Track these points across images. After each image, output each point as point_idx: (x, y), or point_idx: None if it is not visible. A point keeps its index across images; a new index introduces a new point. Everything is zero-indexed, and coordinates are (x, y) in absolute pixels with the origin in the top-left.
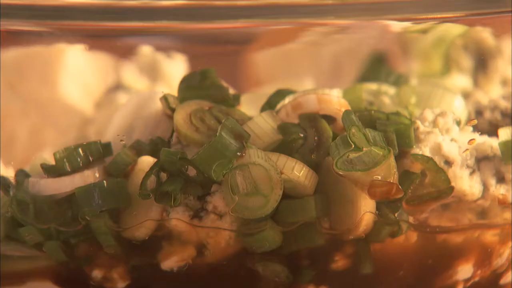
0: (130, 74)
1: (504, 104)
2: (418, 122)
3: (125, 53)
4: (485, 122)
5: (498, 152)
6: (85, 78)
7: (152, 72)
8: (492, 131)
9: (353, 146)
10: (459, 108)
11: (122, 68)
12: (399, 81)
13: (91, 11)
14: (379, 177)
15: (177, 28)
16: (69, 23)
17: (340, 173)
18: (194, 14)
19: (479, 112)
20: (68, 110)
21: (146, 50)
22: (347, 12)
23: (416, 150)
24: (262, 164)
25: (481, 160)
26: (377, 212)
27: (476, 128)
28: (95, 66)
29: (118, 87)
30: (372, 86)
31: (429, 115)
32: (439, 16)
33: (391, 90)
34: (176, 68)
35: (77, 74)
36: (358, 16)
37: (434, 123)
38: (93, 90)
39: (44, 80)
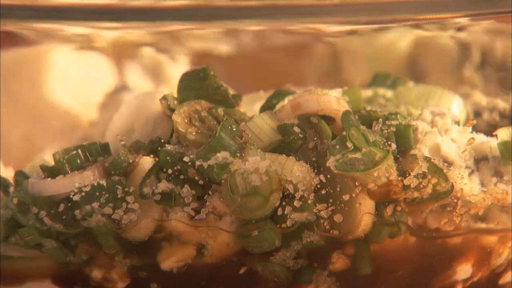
0: (134, 76)
1: (502, 104)
2: (417, 123)
3: (127, 54)
4: (483, 122)
5: (497, 153)
6: (85, 79)
7: (155, 74)
8: (491, 131)
9: (352, 146)
10: (458, 108)
11: (126, 70)
12: (397, 83)
13: (91, 12)
14: (378, 178)
15: (177, 29)
16: (69, 23)
17: (340, 173)
18: (194, 14)
19: (478, 113)
20: (68, 110)
21: (148, 51)
22: (347, 13)
23: (415, 151)
24: (262, 164)
25: (480, 161)
26: (376, 212)
27: (475, 129)
28: (95, 67)
29: (122, 88)
30: (368, 92)
31: (428, 115)
32: (438, 16)
33: (388, 93)
34: (179, 70)
35: (77, 75)
36: (359, 16)
37: (433, 124)
38: (93, 91)
39: (36, 81)
